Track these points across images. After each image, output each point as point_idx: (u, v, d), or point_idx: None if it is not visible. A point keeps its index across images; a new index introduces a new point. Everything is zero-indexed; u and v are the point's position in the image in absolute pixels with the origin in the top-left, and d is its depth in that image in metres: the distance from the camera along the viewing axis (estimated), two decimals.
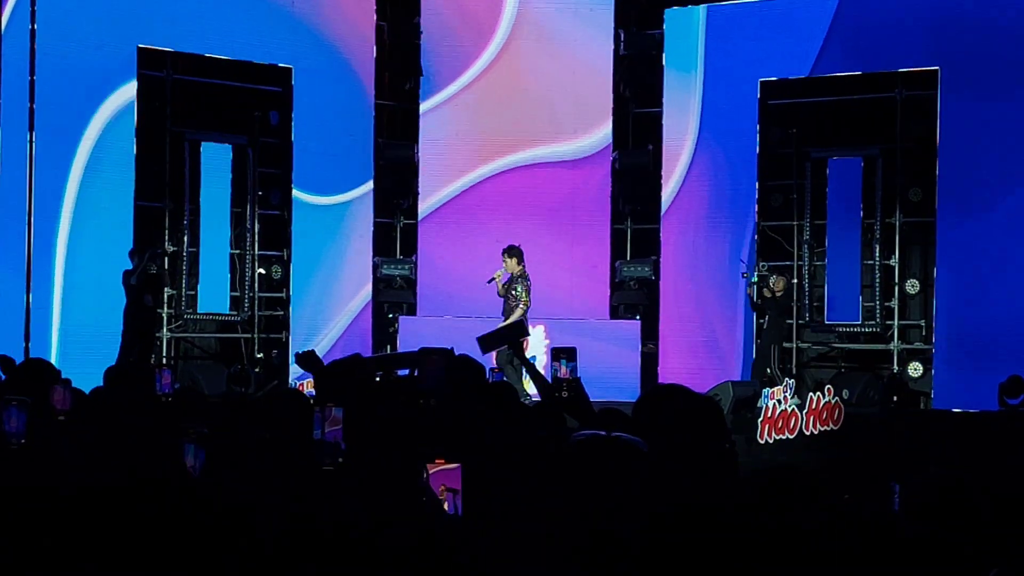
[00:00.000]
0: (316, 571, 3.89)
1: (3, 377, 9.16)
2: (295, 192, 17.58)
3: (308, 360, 7.42)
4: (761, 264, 17.11)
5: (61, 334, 15.70)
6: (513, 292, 14.93)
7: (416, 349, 8.41)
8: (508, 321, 14.30)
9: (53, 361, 14.83)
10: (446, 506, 4.00)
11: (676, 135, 18.29)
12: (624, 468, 3.74)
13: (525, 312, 14.87)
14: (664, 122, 18.29)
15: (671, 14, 18.34)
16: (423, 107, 18.59)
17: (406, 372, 10.32)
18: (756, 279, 16.71)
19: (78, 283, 15.89)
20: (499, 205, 18.65)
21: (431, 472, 4.04)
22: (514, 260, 15.11)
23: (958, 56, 16.50)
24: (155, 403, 7.03)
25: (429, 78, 18.47)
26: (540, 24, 18.77)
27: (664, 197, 18.33)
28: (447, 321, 17.26)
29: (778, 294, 16.69)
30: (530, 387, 15.44)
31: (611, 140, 18.54)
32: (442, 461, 4.02)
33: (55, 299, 15.79)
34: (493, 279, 15.12)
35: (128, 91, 16.22)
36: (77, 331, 15.71)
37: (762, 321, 16.86)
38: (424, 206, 18.71)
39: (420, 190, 18.63)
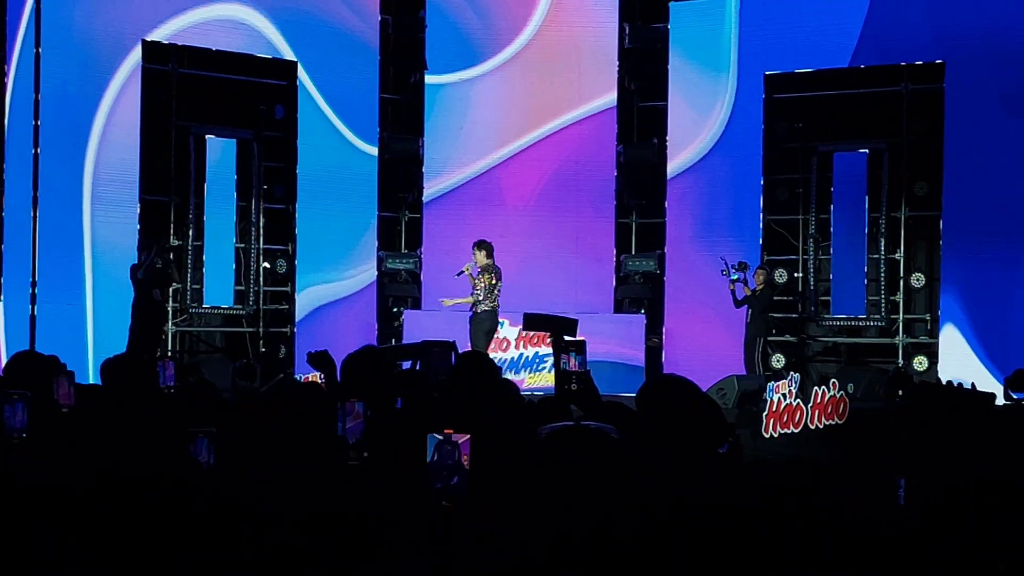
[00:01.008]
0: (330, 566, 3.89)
1: None
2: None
3: (320, 360, 7.37)
4: (741, 262, 16.97)
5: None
6: (476, 286, 15.20)
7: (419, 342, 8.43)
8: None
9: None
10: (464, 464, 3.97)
11: (682, 128, 18.29)
12: (594, 456, 3.74)
13: (486, 306, 15.13)
14: (669, 116, 18.31)
15: (676, 8, 18.32)
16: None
17: (407, 365, 10.29)
18: (735, 277, 16.70)
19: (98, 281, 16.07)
20: (503, 200, 18.66)
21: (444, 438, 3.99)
22: (483, 253, 15.37)
23: (964, 50, 16.48)
24: (159, 396, 7.02)
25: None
26: (549, 19, 18.77)
27: (669, 190, 18.33)
28: (452, 315, 17.26)
29: (759, 288, 16.69)
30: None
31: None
32: (450, 431, 4.00)
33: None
34: (463, 272, 15.29)
35: (133, 85, 16.29)
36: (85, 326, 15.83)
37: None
38: (429, 200, 18.70)
39: (425, 183, 18.64)
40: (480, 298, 15.12)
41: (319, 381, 11.44)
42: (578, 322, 8.82)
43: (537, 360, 17.00)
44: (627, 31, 18.41)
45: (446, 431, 4.00)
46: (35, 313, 15.38)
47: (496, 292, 15.24)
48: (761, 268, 16.96)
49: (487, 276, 15.21)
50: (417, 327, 16.47)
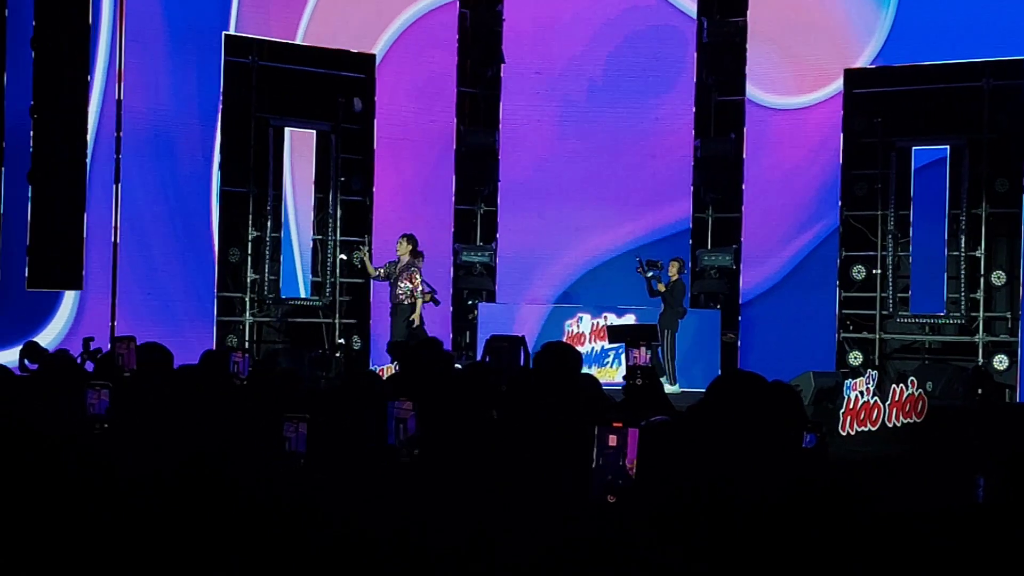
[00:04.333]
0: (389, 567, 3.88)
1: (34, 366, 9.25)
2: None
3: (400, 350, 7.37)
4: (651, 260, 16.82)
5: None
6: (401, 284, 15.34)
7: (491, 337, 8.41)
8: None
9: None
10: (626, 464, 3.93)
11: (759, 122, 18.20)
12: (661, 447, 3.73)
13: (415, 303, 15.56)
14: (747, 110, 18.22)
15: None
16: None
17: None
18: (650, 274, 16.61)
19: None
20: (580, 192, 18.61)
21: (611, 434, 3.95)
22: (410, 247, 15.51)
23: None
24: (230, 385, 7.06)
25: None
26: (628, 11, 18.72)
27: (746, 185, 18.22)
28: (528, 309, 17.29)
29: (672, 279, 16.56)
30: None
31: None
32: (619, 424, 3.97)
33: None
34: (358, 255, 15.57)
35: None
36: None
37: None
38: (504, 193, 18.71)
39: (501, 177, 18.64)
40: (424, 289, 15.44)
41: (390, 370, 11.48)
42: (655, 328, 8.57)
43: (603, 355, 16.95)
44: (705, 25, 18.31)
45: (615, 424, 3.93)
46: (115, 301, 15.62)
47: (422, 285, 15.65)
48: (675, 260, 16.82)
49: (415, 271, 15.48)
50: (491, 320, 16.48)
